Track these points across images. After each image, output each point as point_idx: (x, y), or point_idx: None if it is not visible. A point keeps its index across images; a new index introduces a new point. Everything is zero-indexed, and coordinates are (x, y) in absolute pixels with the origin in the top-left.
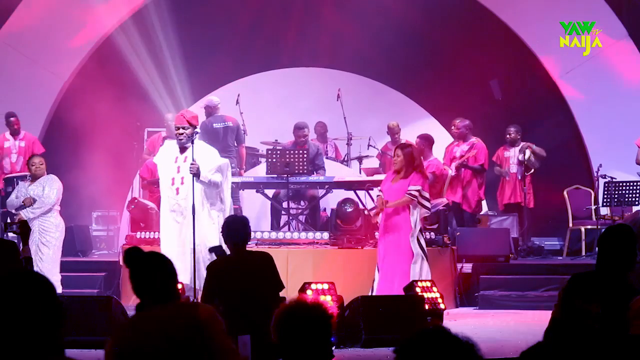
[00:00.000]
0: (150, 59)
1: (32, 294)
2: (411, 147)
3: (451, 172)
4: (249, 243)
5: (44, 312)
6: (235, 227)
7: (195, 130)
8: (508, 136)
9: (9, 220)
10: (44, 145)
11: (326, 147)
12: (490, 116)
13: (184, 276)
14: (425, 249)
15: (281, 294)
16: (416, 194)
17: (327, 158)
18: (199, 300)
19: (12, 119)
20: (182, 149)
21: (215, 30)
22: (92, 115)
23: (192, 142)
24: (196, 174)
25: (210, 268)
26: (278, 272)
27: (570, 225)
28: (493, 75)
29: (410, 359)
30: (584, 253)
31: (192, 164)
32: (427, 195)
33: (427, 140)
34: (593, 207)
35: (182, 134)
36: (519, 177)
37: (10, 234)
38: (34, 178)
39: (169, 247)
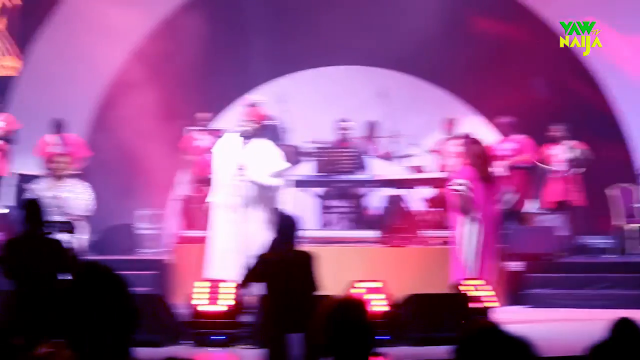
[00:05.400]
0: (194, 57)
1: (110, 291)
2: None
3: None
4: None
5: (118, 310)
6: (284, 225)
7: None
8: (552, 134)
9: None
10: (89, 142)
11: (372, 145)
12: (534, 114)
13: (231, 274)
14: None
15: (330, 292)
16: None
17: (372, 156)
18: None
19: (58, 128)
20: (245, 145)
21: (260, 28)
22: (136, 114)
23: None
24: (244, 175)
25: (258, 258)
26: (315, 273)
27: (617, 223)
28: (537, 73)
29: (467, 358)
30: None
31: (240, 165)
32: None
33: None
34: (638, 205)
35: (247, 126)
36: (566, 175)
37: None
38: (58, 178)
39: (220, 243)
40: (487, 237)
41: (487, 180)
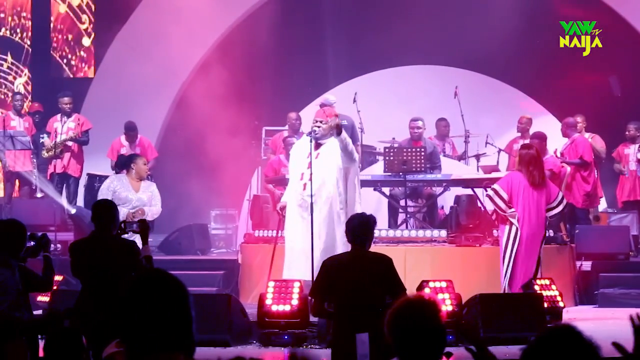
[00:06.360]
0: (268, 57)
1: (167, 295)
2: None
3: (569, 169)
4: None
5: (175, 312)
6: (354, 226)
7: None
8: (627, 133)
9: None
10: (163, 143)
11: (444, 145)
12: (609, 113)
13: (305, 273)
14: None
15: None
16: None
17: (444, 156)
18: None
19: (132, 132)
20: (317, 146)
21: (332, 29)
22: (210, 113)
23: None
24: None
25: (324, 264)
26: (398, 275)
27: None
28: (612, 71)
29: (543, 358)
30: None
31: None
32: None
33: (542, 139)
34: None
35: (318, 127)
36: (639, 174)
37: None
38: (140, 179)
39: (293, 242)
40: (531, 242)
41: (536, 185)
